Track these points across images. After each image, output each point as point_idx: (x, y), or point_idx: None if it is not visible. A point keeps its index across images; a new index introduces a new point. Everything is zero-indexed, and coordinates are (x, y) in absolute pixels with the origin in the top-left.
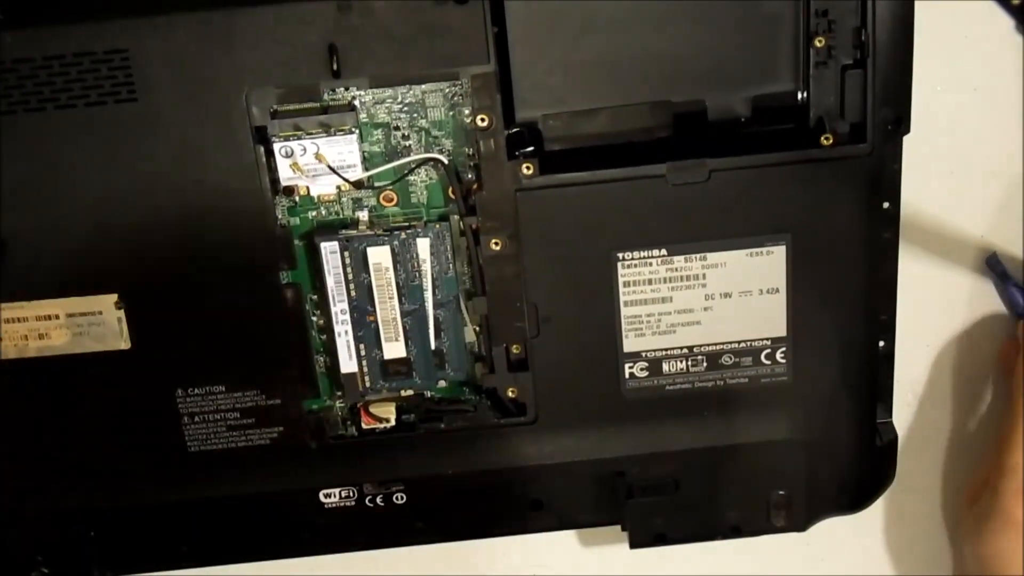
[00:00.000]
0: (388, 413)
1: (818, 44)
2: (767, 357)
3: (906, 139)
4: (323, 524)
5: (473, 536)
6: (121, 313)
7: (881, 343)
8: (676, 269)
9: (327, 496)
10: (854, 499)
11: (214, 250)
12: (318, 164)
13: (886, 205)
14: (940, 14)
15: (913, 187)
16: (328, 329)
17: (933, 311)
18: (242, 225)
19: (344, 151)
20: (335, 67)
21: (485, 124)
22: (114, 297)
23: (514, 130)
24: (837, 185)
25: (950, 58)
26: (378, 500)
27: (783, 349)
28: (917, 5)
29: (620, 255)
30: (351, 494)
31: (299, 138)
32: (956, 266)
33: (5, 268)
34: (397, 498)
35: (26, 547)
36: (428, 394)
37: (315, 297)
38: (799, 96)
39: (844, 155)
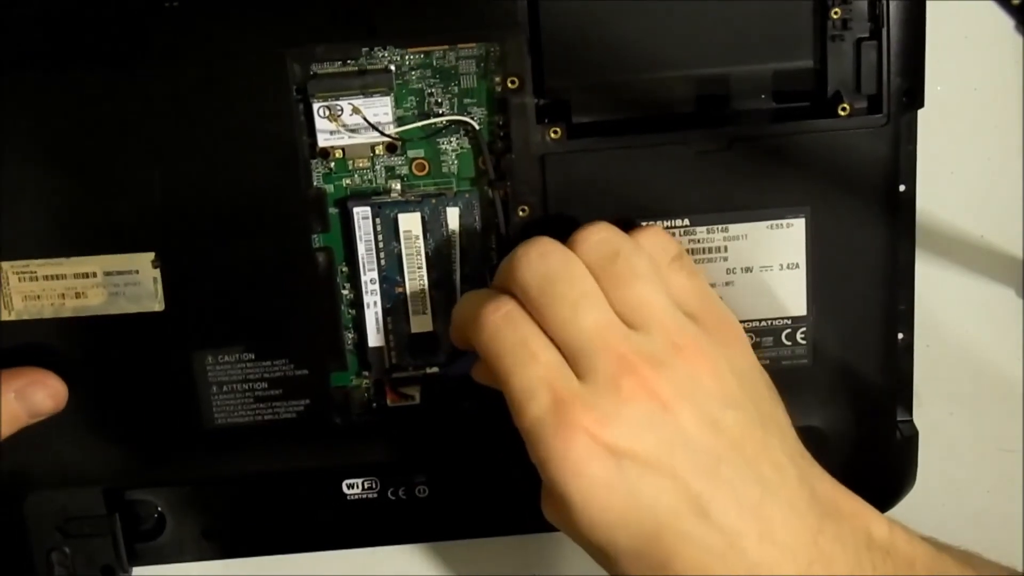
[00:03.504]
0: (413, 391)
1: (834, 16)
2: (787, 338)
3: None
4: (344, 517)
5: (498, 533)
6: (157, 272)
7: (900, 335)
8: (699, 241)
9: (350, 487)
10: (875, 498)
11: (248, 210)
12: (356, 119)
13: (902, 188)
14: (940, 14)
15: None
16: (358, 303)
17: (932, 311)
18: (278, 185)
19: (380, 112)
20: (371, 29)
21: (515, 86)
22: (151, 255)
23: (543, 101)
24: (854, 158)
25: (950, 58)
26: (400, 493)
27: (803, 329)
28: None
29: (644, 225)
30: (374, 485)
31: (337, 99)
32: (956, 266)
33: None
34: (419, 491)
35: (46, 520)
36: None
37: (346, 269)
38: (817, 70)
39: (860, 126)
